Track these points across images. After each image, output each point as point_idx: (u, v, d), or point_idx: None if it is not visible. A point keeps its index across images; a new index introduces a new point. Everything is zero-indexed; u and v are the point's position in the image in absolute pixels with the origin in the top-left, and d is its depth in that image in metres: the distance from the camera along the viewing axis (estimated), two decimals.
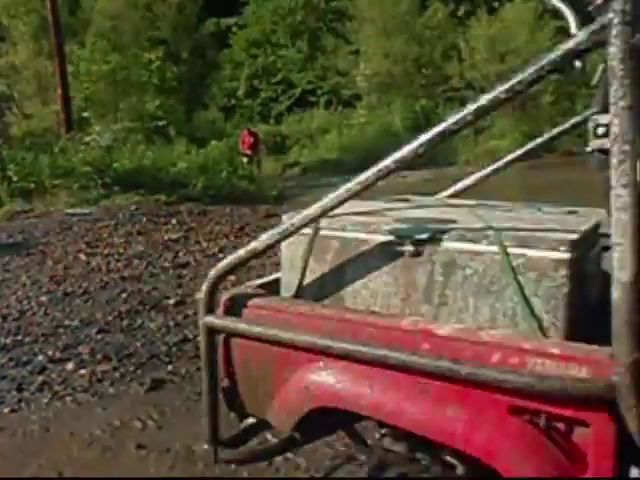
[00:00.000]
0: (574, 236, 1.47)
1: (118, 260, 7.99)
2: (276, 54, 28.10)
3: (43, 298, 6.38)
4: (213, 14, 28.85)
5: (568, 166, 18.13)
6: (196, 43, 28.76)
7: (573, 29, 1.86)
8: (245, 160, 17.40)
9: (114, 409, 3.90)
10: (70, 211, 11.74)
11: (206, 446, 1.86)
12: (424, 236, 1.62)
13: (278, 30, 28.38)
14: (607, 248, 1.46)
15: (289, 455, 3.15)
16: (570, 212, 1.90)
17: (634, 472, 1.25)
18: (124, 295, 6.40)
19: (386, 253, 1.67)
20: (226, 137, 20.39)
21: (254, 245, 1.74)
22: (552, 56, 1.30)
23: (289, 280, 1.85)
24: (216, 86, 28.42)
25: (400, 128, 22.49)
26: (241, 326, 1.75)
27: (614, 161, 1.18)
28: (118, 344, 5.01)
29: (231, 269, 1.80)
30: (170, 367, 4.50)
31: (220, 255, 8.12)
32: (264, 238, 1.72)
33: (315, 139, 23.76)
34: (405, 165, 1.49)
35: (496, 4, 22.85)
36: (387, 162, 1.51)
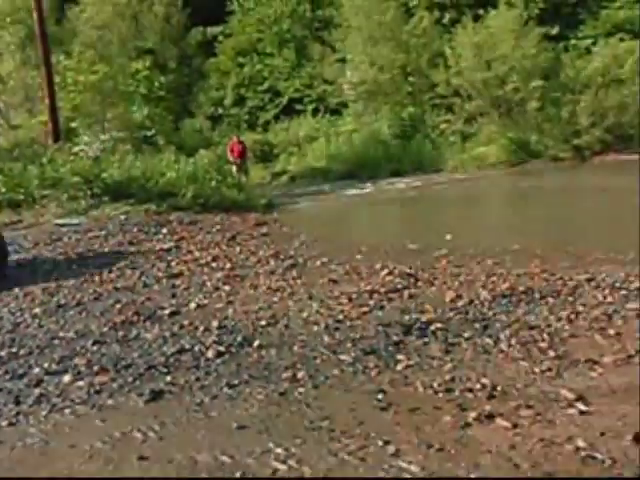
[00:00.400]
0: None
1: (110, 271, 7.97)
2: (263, 62, 28.09)
3: (37, 310, 6.35)
4: (199, 23, 28.86)
5: (556, 172, 18.30)
6: (183, 52, 28.77)
7: None
8: (234, 169, 17.40)
9: (114, 421, 3.88)
10: (59, 222, 11.71)
11: None
12: None
13: (264, 39, 28.39)
14: None
15: (293, 464, 3.15)
16: None
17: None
18: (118, 306, 6.37)
19: None
20: (214, 146, 20.38)
21: None
22: None
23: None
24: (203, 95, 28.39)
25: (387, 135, 22.57)
26: None
27: None
28: (115, 355, 4.98)
29: None
30: (169, 378, 4.47)
31: (213, 264, 8.10)
32: None
33: (303, 147, 23.73)
34: None
35: (481, 11, 22.98)
36: None
